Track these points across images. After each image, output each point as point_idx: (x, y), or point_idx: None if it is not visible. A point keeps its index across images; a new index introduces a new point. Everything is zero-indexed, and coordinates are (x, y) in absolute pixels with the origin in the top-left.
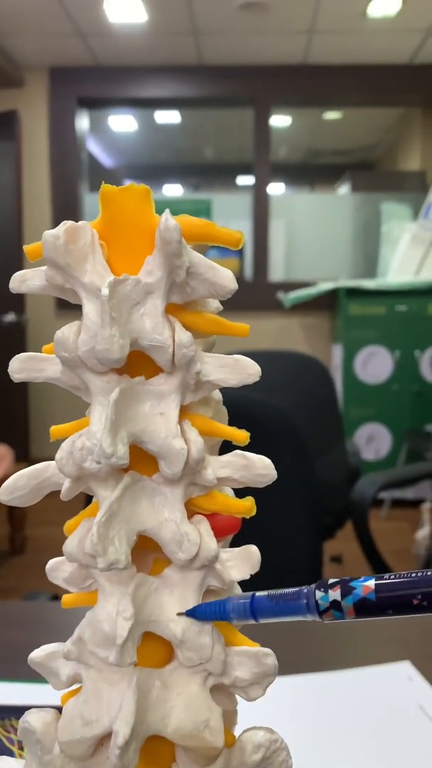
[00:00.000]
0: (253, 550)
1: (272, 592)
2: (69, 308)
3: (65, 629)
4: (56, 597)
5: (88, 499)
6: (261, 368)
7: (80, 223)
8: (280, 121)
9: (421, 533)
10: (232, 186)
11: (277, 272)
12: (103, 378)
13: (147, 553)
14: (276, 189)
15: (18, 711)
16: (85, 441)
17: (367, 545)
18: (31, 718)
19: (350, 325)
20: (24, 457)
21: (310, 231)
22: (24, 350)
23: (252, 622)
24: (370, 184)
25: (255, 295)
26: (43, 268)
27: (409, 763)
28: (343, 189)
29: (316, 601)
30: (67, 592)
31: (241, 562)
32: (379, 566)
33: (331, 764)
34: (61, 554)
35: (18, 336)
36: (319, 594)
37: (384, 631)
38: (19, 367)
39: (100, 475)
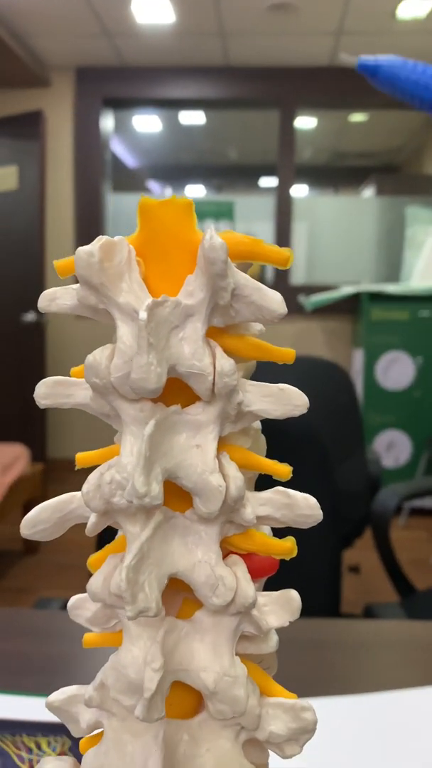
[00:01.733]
0: (293, 595)
1: None
2: None
3: (76, 640)
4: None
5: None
6: (281, 373)
7: (116, 238)
8: (305, 122)
9: None
10: (255, 188)
11: (298, 275)
12: (136, 406)
13: (176, 592)
14: (299, 191)
15: (29, 727)
16: (115, 474)
17: (387, 558)
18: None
19: (372, 329)
20: (40, 457)
21: (334, 234)
22: (43, 351)
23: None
24: (395, 188)
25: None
26: (74, 286)
27: None
28: (368, 192)
29: None
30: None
31: (280, 607)
32: (397, 577)
33: None
34: (72, 555)
35: (37, 336)
36: None
37: (410, 653)
38: (46, 392)
39: (130, 511)
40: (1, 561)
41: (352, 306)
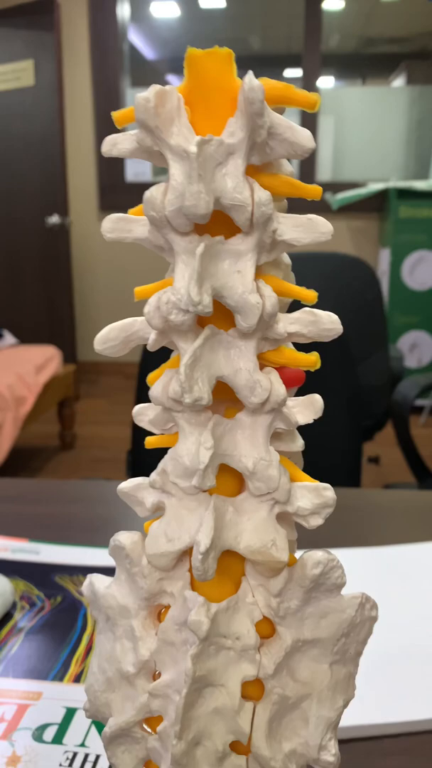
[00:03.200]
0: (316, 398)
1: None
2: (113, 210)
3: (117, 504)
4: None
5: (137, 400)
6: (307, 268)
7: (167, 87)
8: (332, 4)
9: None
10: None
11: (324, 172)
12: (186, 238)
13: (220, 402)
14: (325, 82)
15: (82, 569)
16: (171, 296)
17: (407, 445)
18: (121, 537)
19: (400, 228)
20: (72, 359)
21: (361, 128)
22: (68, 253)
23: None
24: (428, 76)
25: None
26: (130, 132)
27: None
28: (398, 81)
29: None
30: (152, 435)
31: (306, 408)
32: (417, 465)
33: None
34: (106, 450)
35: (62, 238)
36: None
37: (421, 512)
38: (111, 227)
39: (183, 328)
40: (38, 456)
41: (379, 204)
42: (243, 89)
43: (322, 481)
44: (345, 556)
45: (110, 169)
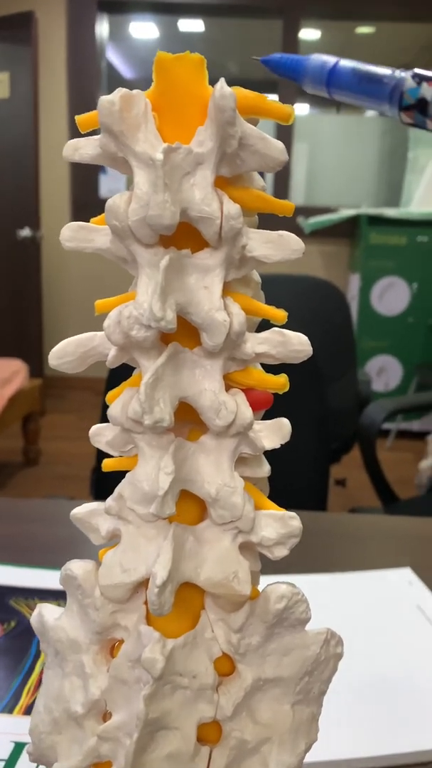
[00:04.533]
0: (284, 422)
1: (359, 66)
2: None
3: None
4: (73, 499)
5: (103, 417)
6: (277, 291)
7: (134, 91)
8: (309, 34)
9: (425, 463)
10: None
11: (298, 196)
12: (151, 250)
13: (183, 423)
14: (301, 109)
15: (39, 593)
16: (133, 310)
17: (373, 469)
18: (73, 566)
19: (370, 254)
20: (38, 374)
21: (334, 155)
22: (38, 266)
23: (323, 93)
24: None
25: (274, 218)
26: (97, 137)
27: (407, 660)
28: (371, 112)
29: (403, 93)
30: (82, 498)
31: (273, 432)
32: (382, 489)
33: None
34: (72, 467)
35: (33, 251)
36: (409, 84)
37: (388, 541)
38: (70, 235)
39: (145, 345)
40: (1, 472)
41: (350, 229)
42: (214, 96)
43: (288, 503)
44: (309, 582)
45: (84, 184)
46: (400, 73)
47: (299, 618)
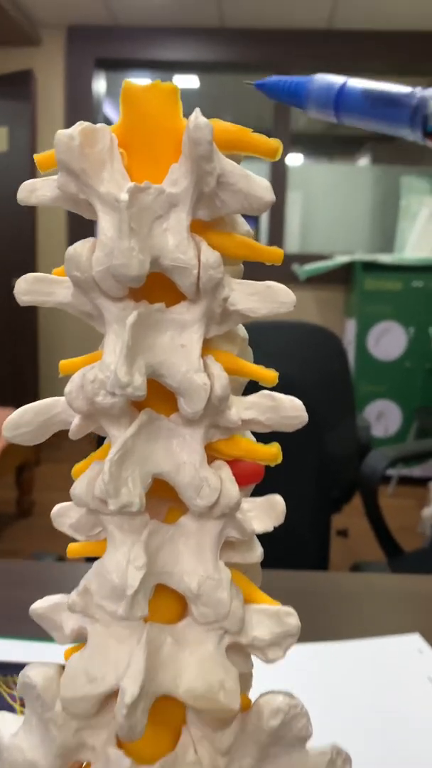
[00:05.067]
0: (277, 500)
1: (369, 87)
2: None
3: (72, 589)
4: (62, 558)
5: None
6: (272, 337)
7: (98, 125)
8: None
9: (428, 511)
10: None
11: (292, 244)
12: (119, 304)
13: (161, 501)
14: (294, 160)
15: (21, 668)
16: (98, 373)
17: (375, 519)
18: (31, 673)
19: (365, 299)
20: None
21: (328, 203)
22: (35, 314)
23: (330, 117)
24: (390, 157)
25: (269, 266)
26: (52, 177)
27: (418, 734)
28: (363, 161)
29: (427, 116)
30: (75, 542)
31: (264, 513)
32: (386, 541)
33: (339, 734)
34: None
35: None
36: None
37: (395, 603)
38: (26, 288)
39: (113, 412)
40: None
41: (345, 276)
42: (188, 129)
43: (288, 556)
44: (310, 652)
45: (81, 233)
46: (421, 92)
47: (298, 735)
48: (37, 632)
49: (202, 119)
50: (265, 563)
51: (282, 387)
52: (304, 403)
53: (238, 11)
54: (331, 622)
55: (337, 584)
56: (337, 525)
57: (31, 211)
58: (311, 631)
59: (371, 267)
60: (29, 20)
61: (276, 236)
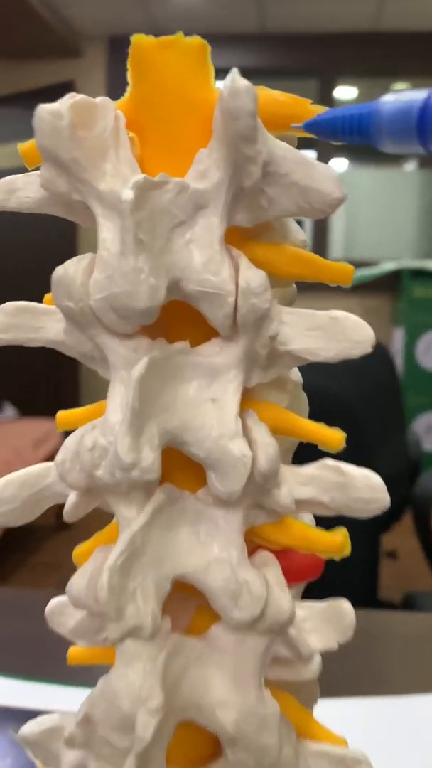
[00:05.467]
0: (345, 608)
1: None
2: None
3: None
4: None
5: None
6: None
7: (99, 99)
8: (345, 92)
9: None
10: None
11: (337, 251)
12: (128, 343)
13: (186, 598)
14: (339, 165)
15: (20, 715)
16: (99, 438)
17: (427, 542)
18: None
19: (413, 307)
20: None
21: (374, 209)
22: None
23: (416, 148)
24: None
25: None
26: (36, 173)
27: None
28: (410, 165)
29: None
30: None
31: (327, 624)
32: None
33: None
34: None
35: None
36: None
37: None
38: (6, 323)
39: (120, 489)
40: (32, 536)
41: (392, 283)
42: (222, 99)
43: (336, 580)
44: (362, 709)
45: None
46: None
47: None
48: (61, 675)
49: (242, 82)
50: (308, 591)
51: (329, 402)
52: (350, 418)
53: (279, 15)
54: (386, 670)
55: (390, 625)
56: (387, 545)
57: (72, 231)
58: (363, 683)
59: (419, 274)
60: (71, 31)
61: (320, 243)
